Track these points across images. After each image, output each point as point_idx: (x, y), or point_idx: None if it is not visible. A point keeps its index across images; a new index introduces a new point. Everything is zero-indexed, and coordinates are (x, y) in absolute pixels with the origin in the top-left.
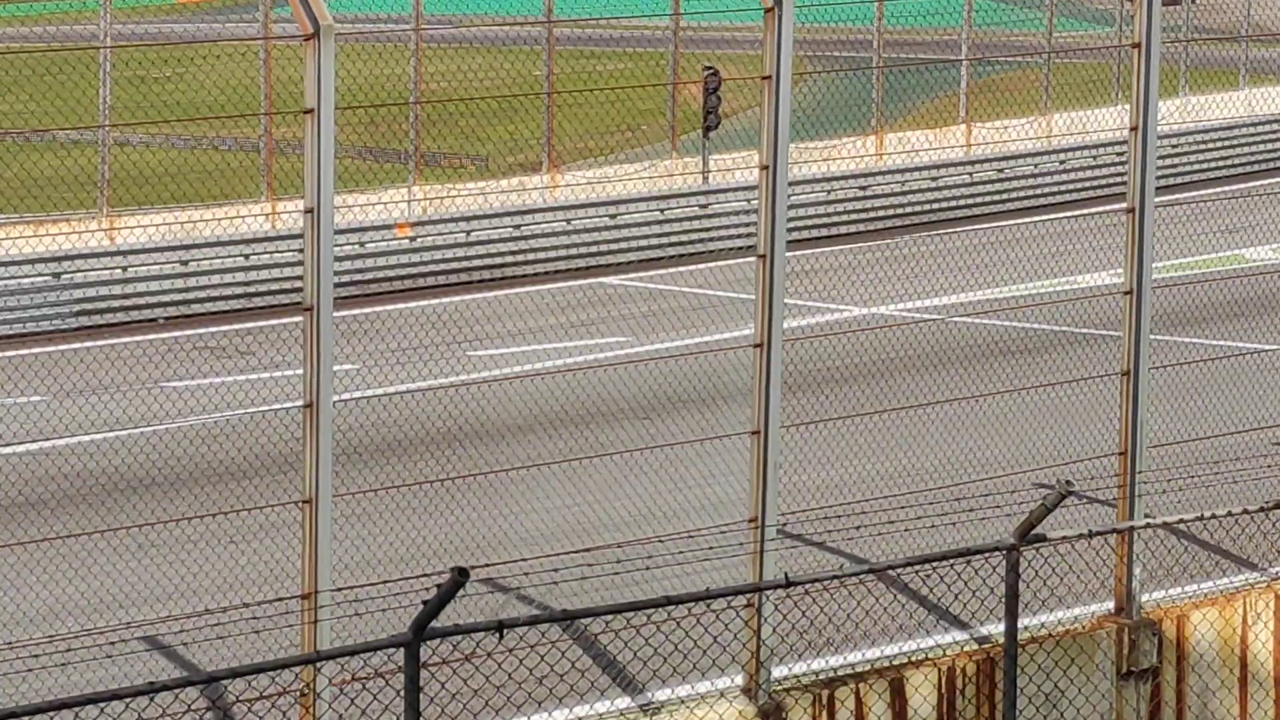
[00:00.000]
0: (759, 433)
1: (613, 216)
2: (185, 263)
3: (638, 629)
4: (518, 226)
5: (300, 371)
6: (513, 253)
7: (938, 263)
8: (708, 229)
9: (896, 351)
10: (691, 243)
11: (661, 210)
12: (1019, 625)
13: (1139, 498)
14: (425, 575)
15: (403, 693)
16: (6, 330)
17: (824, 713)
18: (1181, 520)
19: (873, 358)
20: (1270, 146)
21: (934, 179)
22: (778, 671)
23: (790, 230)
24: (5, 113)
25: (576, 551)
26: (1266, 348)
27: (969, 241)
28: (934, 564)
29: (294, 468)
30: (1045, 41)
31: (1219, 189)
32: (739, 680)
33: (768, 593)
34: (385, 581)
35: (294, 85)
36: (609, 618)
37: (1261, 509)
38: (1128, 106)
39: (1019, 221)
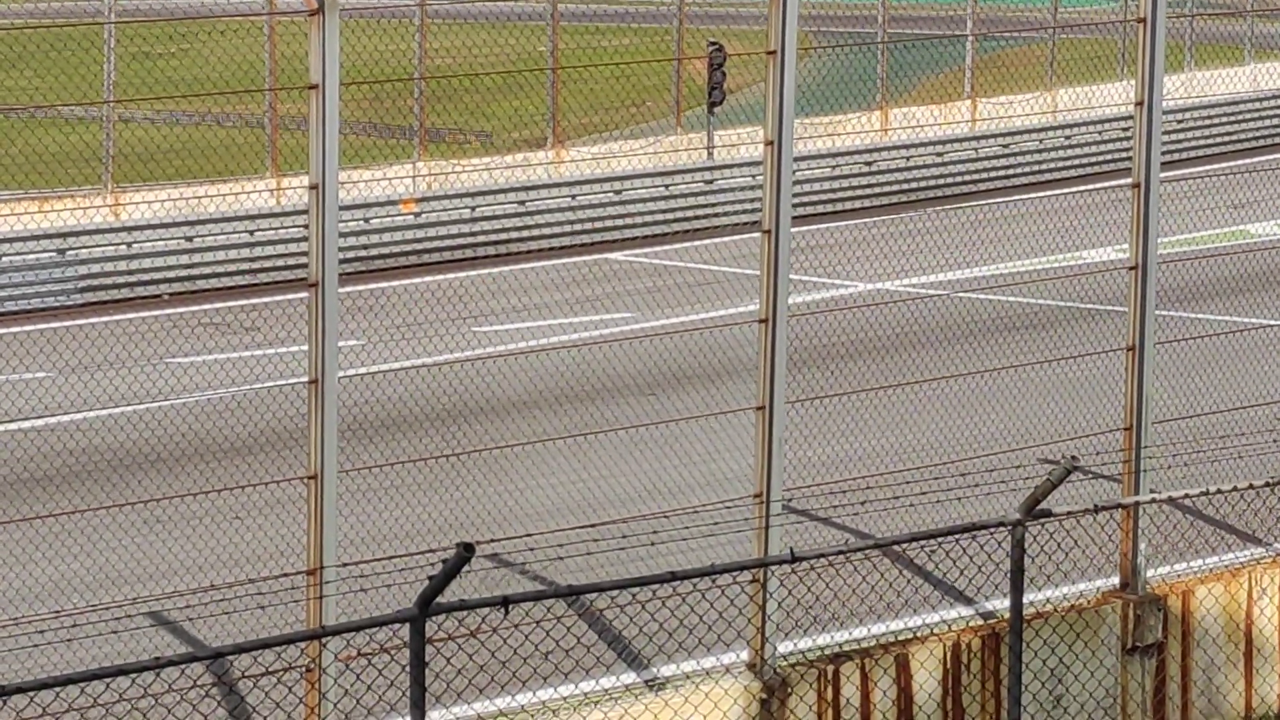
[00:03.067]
0: (764, 408)
1: (618, 192)
2: (190, 239)
3: (643, 604)
4: (522, 202)
5: (305, 347)
6: (517, 228)
7: (943, 238)
8: (713, 204)
9: (902, 327)
10: (697, 218)
11: (666, 186)
12: (1024, 601)
13: (1144, 473)
14: (430, 551)
15: (408, 668)
16: (12, 306)
17: (829, 688)
18: (1187, 495)
19: (878, 333)
20: (1276, 122)
21: (939, 154)
22: (783, 647)
23: (795, 206)
24: (10, 89)
25: (582, 527)
26: (1272, 323)
27: (974, 217)
28: (939, 539)
29: (299, 443)
30: (1050, 17)
31: (1224, 164)
32: (744, 656)
33: (773, 568)
34: (390, 557)
35: (298, 61)
36: (614, 593)
37: (1268, 484)
38: (1133, 82)
39: (1024, 197)
